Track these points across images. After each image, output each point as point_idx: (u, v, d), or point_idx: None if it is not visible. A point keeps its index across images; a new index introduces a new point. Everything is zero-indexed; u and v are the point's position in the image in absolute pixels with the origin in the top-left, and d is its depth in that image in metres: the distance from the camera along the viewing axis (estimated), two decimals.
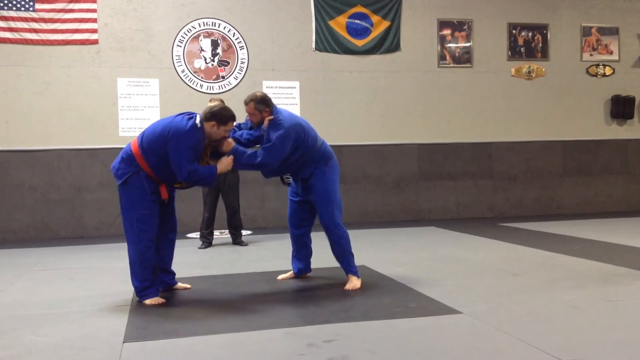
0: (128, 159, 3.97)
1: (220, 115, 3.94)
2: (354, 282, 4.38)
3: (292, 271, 4.73)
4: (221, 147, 4.09)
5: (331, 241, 4.43)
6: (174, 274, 4.38)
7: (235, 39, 8.23)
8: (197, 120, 3.92)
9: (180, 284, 4.39)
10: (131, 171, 3.94)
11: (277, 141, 4.11)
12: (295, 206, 4.59)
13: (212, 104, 6.39)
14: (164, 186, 4.04)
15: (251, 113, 4.27)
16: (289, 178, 4.52)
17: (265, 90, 8.23)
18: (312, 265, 4.80)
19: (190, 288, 4.39)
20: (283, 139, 4.12)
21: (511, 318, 3.44)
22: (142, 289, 3.97)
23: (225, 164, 4.06)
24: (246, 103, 4.27)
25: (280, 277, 4.71)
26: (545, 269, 4.89)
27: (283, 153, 4.16)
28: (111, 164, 4.13)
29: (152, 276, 4.01)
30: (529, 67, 9.21)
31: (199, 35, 8.14)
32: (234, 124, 4.17)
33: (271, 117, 4.21)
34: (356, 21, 8.61)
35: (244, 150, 4.18)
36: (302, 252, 4.68)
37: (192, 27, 8.11)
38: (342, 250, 4.42)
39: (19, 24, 7.56)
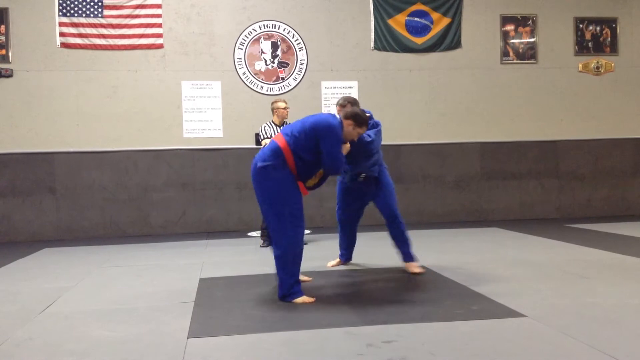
0: (276, 151, 4.01)
1: (360, 117, 4.16)
2: (414, 267, 4.78)
3: (338, 259, 5.14)
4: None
5: (396, 231, 4.81)
6: None
7: (295, 41, 8.30)
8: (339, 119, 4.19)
9: (302, 277, 4.43)
10: (278, 162, 3.98)
11: (378, 131, 4.64)
12: (344, 193, 5.00)
13: (276, 105, 6.58)
14: (301, 183, 4.12)
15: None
16: (363, 176, 4.82)
17: (324, 91, 8.30)
18: (370, 266, 4.97)
19: (311, 280, 4.58)
20: (379, 132, 4.65)
21: (578, 322, 3.32)
22: (291, 285, 3.98)
23: (346, 148, 4.28)
24: (343, 105, 4.64)
25: (329, 264, 5.11)
26: (615, 271, 4.70)
27: (380, 142, 4.70)
28: (252, 161, 4.13)
29: (299, 272, 4.08)
30: (597, 62, 8.86)
31: (259, 38, 8.26)
32: None
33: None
34: (416, 19, 8.52)
35: None
36: (349, 239, 5.10)
37: (253, 29, 8.24)
38: (406, 239, 4.83)
39: (89, 30, 7.88)
